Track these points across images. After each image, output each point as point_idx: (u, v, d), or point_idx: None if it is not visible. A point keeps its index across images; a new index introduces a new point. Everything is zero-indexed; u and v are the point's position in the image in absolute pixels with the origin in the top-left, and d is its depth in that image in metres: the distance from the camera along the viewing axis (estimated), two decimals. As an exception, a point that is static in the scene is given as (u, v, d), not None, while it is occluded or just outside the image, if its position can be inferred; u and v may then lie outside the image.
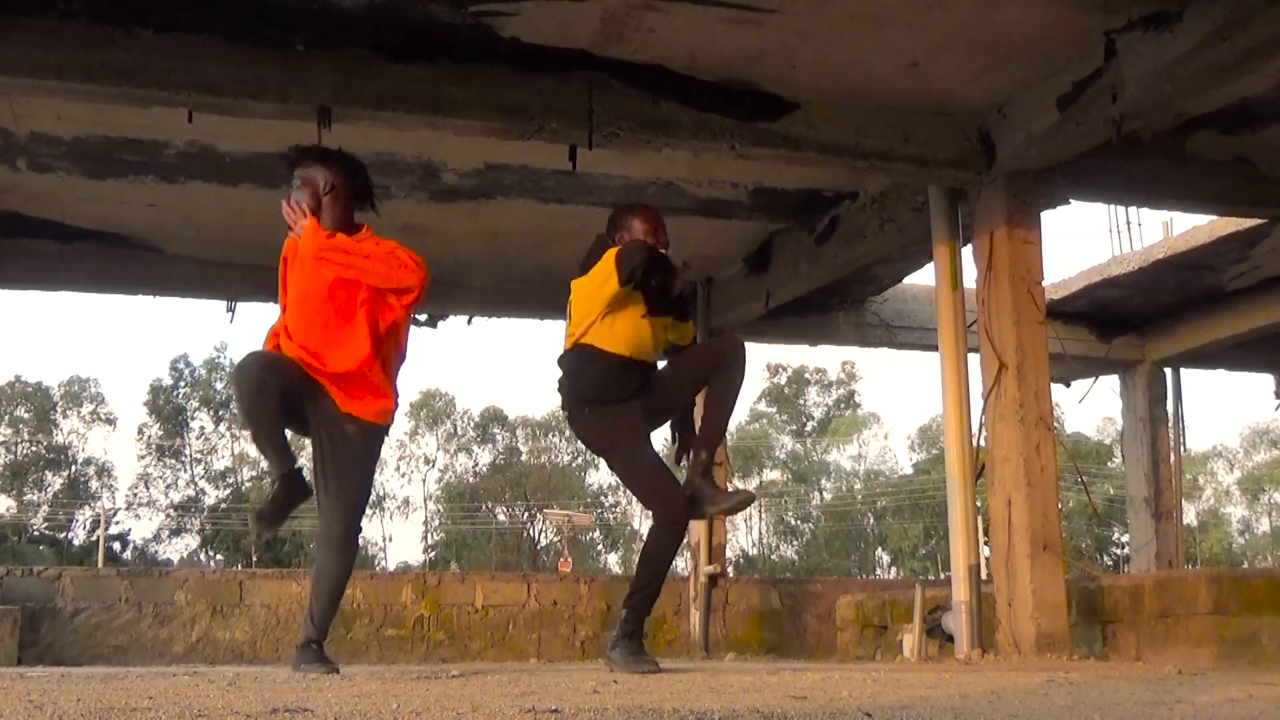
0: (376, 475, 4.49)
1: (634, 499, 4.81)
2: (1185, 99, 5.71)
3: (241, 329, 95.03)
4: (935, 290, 6.80)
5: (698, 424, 4.75)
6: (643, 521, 56.87)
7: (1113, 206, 9.77)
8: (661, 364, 4.74)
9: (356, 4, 5.23)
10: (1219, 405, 72.91)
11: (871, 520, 55.36)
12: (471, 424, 56.79)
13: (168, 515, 52.59)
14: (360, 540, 4.43)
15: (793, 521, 57.10)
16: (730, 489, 5.12)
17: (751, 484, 56.99)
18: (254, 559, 46.86)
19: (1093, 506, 42.18)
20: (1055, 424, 6.40)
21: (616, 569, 52.17)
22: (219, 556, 49.45)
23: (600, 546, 55.51)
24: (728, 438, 9.89)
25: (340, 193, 4.37)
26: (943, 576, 22.59)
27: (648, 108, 5.81)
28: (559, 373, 4.68)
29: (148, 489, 53.27)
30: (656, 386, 4.62)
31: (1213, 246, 8.79)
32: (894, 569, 53.03)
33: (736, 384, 4.60)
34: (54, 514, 51.32)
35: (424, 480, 55.90)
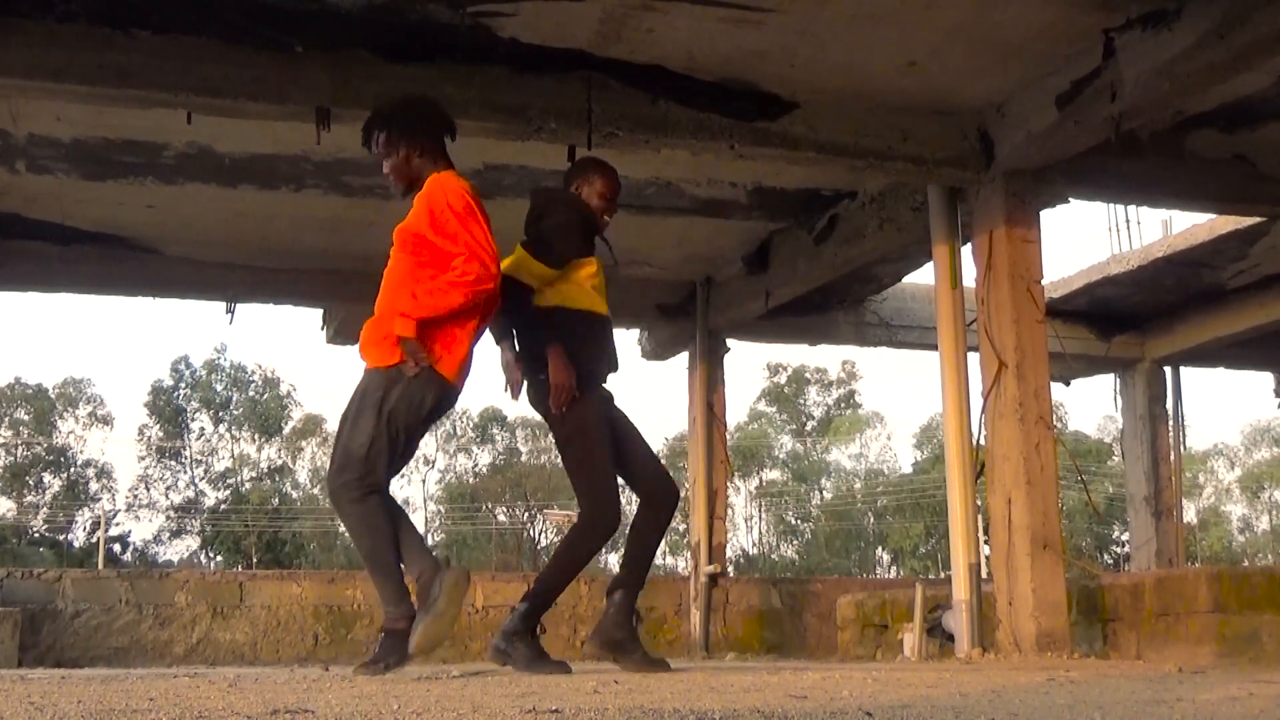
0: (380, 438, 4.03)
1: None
2: (1184, 97, 5.71)
3: (241, 330, 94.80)
4: (935, 289, 6.80)
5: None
6: (643, 521, 56.82)
7: (1112, 205, 9.79)
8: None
9: (354, 5, 5.23)
10: (1219, 403, 73.02)
11: (872, 519, 55.35)
12: (471, 424, 56.80)
13: (168, 517, 52.62)
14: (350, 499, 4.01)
15: (793, 521, 57.11)
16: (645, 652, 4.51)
17: (751, 484, 57.03)
18: (254, 560, 46.87)
19: (1093, 505, 42.19)
20: (1055, 423, 6.40)
21: (616, 569, 52.11)
22: (219, 558, 49.47)
23: (600, 546, 55.44)
24: (728, 437, 9.94)
25: (414, 146, 4.27)
26: (943, 575, 22.59)
27: (646, 108, 5.82)
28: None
29: (148, 490, 53.35)
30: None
31: (1212, 244, 8.79)
32: (894, 568, 53.03)
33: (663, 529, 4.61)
34: (54, 516, 51.34)
35: (424, 481, 55.95)
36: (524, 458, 56.40)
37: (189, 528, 52.32)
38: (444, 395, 4.16)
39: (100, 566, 38.03)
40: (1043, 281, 6.29)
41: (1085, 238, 39.61)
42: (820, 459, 58.75)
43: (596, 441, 4.44)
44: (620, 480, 4.55)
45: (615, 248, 5.07)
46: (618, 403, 4.65)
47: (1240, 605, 5.62)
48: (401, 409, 4.05)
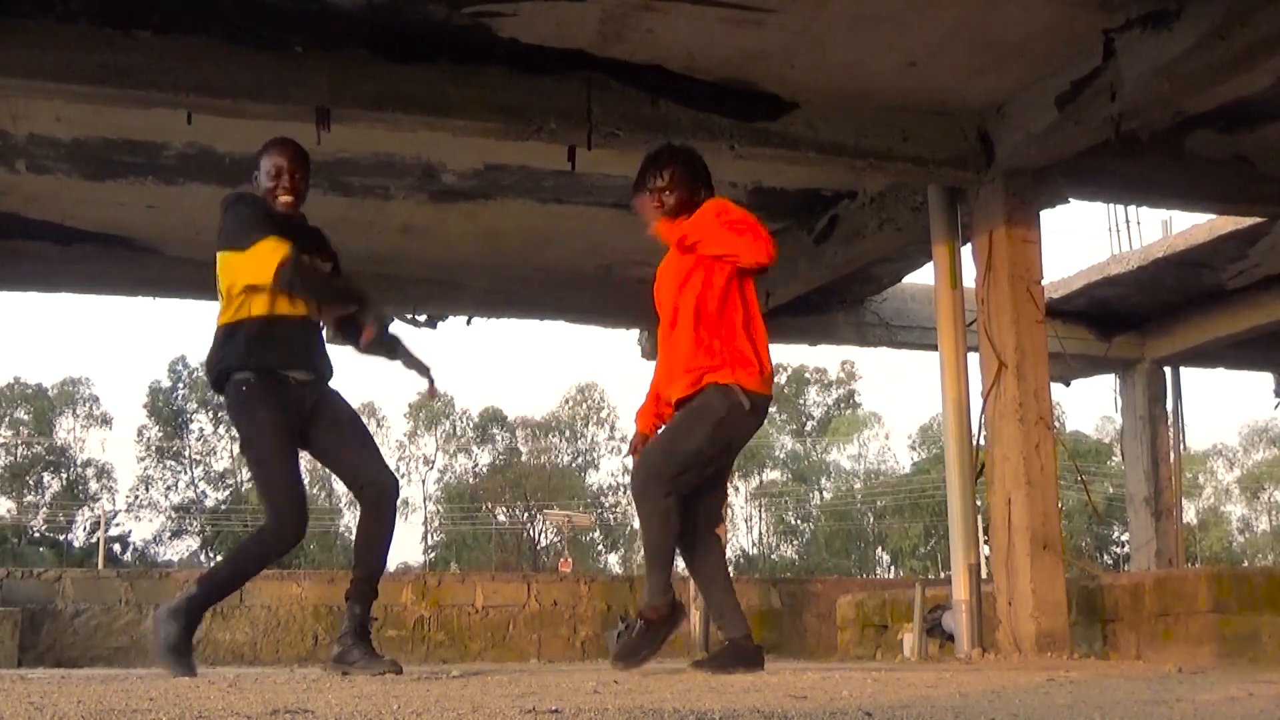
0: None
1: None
2: (1184, 98, 5.72)
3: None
4: (934, 289, 6.80)
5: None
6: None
7: (1112, 205, 9.78)
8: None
9: (355, 5, 5.23)
10: (1218, 404, 73.01)
11: (871, 520, 55.36)
12: (470, 424, 56.83)
13: (168, 517, 52.63)
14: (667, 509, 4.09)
15: (793, 521, 57.13)
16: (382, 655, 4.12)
17: (751, 484, 57.05)
18: (254, 560, 46.78)
19: (1093, 505, 42.17)
20: (1055, 423, 6.40)
21: (617, 569, 52.18)
22: (219, 558, 49.40)
23: (600, 547, 55.52)
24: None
25: (674, 190, 4.33)
26: (943, 576, 22.59)
27: (646, 108, 5.82)
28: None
29: (148, 491, 53.35)
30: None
31: (1212, 245, 8.80)
32: (894, 568, 53.04)
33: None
34: (54, 516, 51.34)
35: (423, 481, 55.94)
36: (524, 458, 56.43)
37: (189, 528, 52.33)
38: (766, 411, 4.34)
39: (100, 566, 38.01)
40: (1043, 282, 6.30)
41: (1085, 238, 39.70)
42: (820, 459, 58.77)
43: (270, 446, 4.09)
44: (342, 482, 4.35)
45: (616, 248, 5.05)
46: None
47: (1240, 606, 5.62)
48: (735, 432, 4.22)
